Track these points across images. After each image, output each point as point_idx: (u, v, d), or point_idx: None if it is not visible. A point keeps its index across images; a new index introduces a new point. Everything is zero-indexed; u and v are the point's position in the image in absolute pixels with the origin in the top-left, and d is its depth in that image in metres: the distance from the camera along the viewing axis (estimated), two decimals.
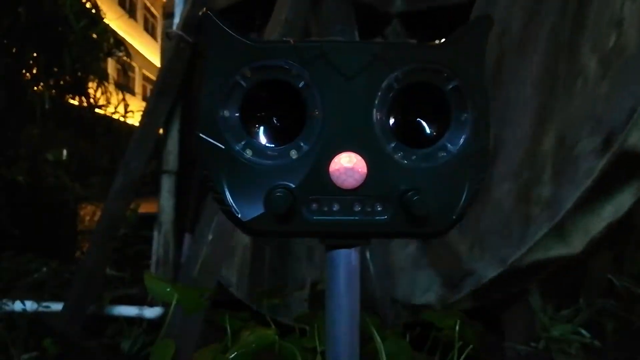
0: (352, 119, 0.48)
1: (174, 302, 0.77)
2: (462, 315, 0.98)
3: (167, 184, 2.18)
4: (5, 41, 2.67)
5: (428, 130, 0.51)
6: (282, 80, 0.48)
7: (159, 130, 2.14)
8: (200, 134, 0.49)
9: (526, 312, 1.97)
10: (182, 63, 2.19)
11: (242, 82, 0.48)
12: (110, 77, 4.33)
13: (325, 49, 0.48)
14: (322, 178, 0.48)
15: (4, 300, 2.05)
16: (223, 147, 0.48)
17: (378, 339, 0.75)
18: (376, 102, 0.49)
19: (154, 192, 2.49)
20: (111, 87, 4.06)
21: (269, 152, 0.49)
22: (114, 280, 2.50)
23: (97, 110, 3.73)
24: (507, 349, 1.88)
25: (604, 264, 2.32)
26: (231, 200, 0.48)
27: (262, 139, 0.50)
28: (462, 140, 0.50)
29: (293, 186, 0.48)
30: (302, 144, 0.48)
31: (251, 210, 0.48)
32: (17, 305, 2.03)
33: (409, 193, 0.47)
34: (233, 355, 0.66)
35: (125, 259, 2.64)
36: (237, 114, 0.49)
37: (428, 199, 0.47)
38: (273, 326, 0.81)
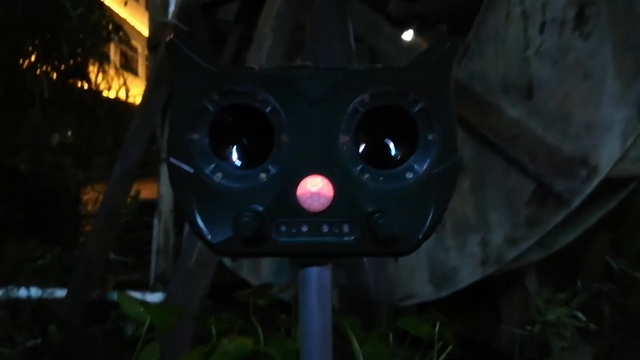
0: (319, 143, 0.49)
1: (147, 323, 0.80)
2: (441, 317, 1.00)
3: (166, 173, 2.19)
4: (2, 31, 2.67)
5: (395, 152, 0.51)
6: (249, 105, 0.49)
7: (155, 119, 2.15)
8: (170, 158, 0.49)
9: (523, 296, 1.98)
10: None
11: (210, 107, 0.49)
12: (112, 61, 4.32)
13: (290, 76, 0.49)
14: (290, 201, 0.49)
15: (9, 287, 2.09)
16: (192, 170, 0.49)
17: (355, 343, 0.77)
18: (342, 126, 0.49)
19: (155, 172, 2.51)
20: (113, 71, 4.06)
21: (237, 176, 0.50)
22: (116, 264, 2.54)
23: (98, 94, 3.74)
24: (504, 332, 1.90)
25: (602, 247, 2.32)
26: (201, 223, 0.49)
27: (231, 163, 0.51)
28: (428, 161, 0.50)
29: (261, 209, 0.49)
30: (270, 167, 0.49)
31: (221, 233, 0.49)
32: (22, 292, 2.08)
33: (376, 215, 0.48)
34: None
35: (127, 244, 2.68)
36: (206, 138, 0.49)
37: (394, 220, 0.48)
38: (260, 330, 0.83)
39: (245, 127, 0.51)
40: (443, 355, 0.91)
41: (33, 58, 3.11)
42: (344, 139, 0.49)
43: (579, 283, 2.16)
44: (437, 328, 0.91)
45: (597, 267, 2.26)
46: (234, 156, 0.51)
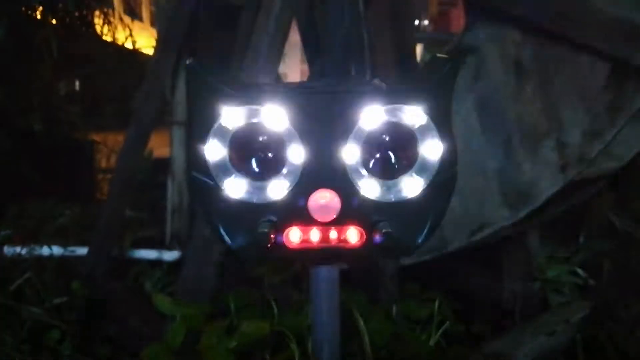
0: (327, 158, 0.54)
1: (177, 318, 0.88)
2: (440, 295, 1.06)
3: (177, 135, 2.23)
4: None
5: (396, 164, 0.56)
6: (265, 124, 0.53)
7: (166, 82, 2.17)
8: (193, 173, 0.55)
9: (524, 253, 2.04)
10: (186, 12, 2.17)
11: (227, 125, 0.53)
12: (117, 11, 4.27)
13: (300, 93, 0.53)
14: (301, 212, 0.54)
15: (32, 246, 2.19)
16: (212, 183, 0.54)
17: (361, 321, 0.84)
18: (348, 141, 0.54)
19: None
20: (117, 20, 4.01)
21: (254, 188, 0.55)
22: (133, 221, 2.62)
23: (105, 44, 3.72)
24: (505, 289, 1.99)
25: (606, 204, 2.36)
26: (222, 231, 0.55)
27: (248, 176, 0.55)
28: (428, 173, 0.55)
29: (276, 220, 0.54)
30: (283, 181, 0.54)
31: (240, 240, 0.55)
32: (45, 250, 2.18)
33: (379, 223, 0.53)
34: (233, 345, 0.77)
35: (142, 201, 2.75)
36: (224, 154, 0.54)
37: (396, 228, 0.53)
38: (275, 309, 0.91)
39: (260, 143, 0.55)
40: (440, 331, 0.99)
41: (38, 13, 3.10)
42: (350, 154, 0.54)
43: (581, 240, 2.22)
44: (436, 306, 0.99)
45: (600, 224, 2.31)
46: (251, 170, 0.55)
